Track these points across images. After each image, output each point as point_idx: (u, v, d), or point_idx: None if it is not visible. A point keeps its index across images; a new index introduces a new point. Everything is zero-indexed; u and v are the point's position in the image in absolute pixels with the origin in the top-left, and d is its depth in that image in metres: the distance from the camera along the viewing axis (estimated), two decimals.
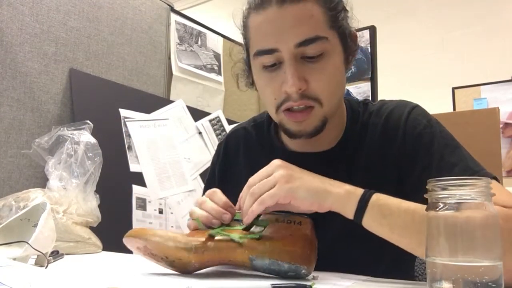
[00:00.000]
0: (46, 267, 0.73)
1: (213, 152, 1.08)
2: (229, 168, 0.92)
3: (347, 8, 0.78)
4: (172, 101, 1.87)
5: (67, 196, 1.04)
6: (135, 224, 1.52)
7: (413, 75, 3.74)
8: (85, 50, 1.60)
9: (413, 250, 0.63)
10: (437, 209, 0.48)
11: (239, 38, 0.83)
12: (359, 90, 2.11)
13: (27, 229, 0.77)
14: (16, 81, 1.39)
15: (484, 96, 3.49)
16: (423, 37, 3.78)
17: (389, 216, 0.62)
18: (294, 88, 0.70)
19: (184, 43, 2.01)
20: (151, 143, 1.69)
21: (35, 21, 1.45)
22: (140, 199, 1.55)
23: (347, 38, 0.76)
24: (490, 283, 0.45)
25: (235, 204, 0.70)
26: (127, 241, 0.70)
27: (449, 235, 0.47)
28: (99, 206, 1.08)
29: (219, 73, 2.15)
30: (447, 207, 0.48)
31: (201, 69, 2.06)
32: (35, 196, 1.01)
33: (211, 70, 2.11)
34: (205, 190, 1.01)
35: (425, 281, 0.50)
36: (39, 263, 0.75)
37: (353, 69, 2.11)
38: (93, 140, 1.16)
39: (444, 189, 0.48)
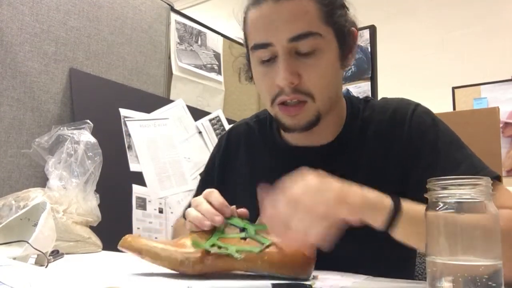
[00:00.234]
0: (46, 267, 0.73)
1: None
2: (229, 162, 0.93)
3: (347, 6, 0.79)
4: (172, 101, 1.87)
5: (67, 195, 1.04)
6: (135, 224, 1.52)
7: (413, 75, 3.74)
8: (85, 49, 1.60)
9: None
10: (437, 208, 0.48)
11: (239, 37, 0.85)
12: (359, 89, 2.11)
13: (27, 228, 0.77)
14: (16, 80, 1.39)
15: (484, 96, 3.48)
16: (423, 37, 3.78)
17: (421, 225, 0.59)
18: (285, 81, 0.71)
19: (184, 42, 2.01)
20: (151, 142, 1.69)
21: (35, 20, 1.45)
22: (140, 199, 1.55)
23: (344, 35, 0.76)
24: (490, 283, 0.45)
25: (232, 203, 0.70)
26: (121, 249, 0.69)
27: (449, 235, 0.47)
28: (99, 205, 1.08)
29: (219, 72, 2.15)
30: (447, 206, 0.48)
31: (201, 68, 2.06)
32: (35, 195, 1.01)
33: (211, 69, 2.11)
34: (201, 181, 1.01)
35: (425, 280, 0.50)
36: (39, 262, 0.75)
37: (353, 69, 2.11)
38: (93, 139, 1.16)
39: (444, 188, 0.48)
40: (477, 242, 0.46)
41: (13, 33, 1.39)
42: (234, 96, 2.23)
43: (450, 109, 3.59)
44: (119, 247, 0.69)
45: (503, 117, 3.25)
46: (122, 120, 1.62)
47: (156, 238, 1.57)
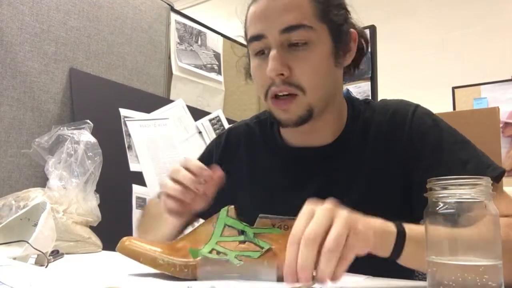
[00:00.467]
0: (46, 267, 0.73)
1: None
2: (228, 162, 0.92)
3: (349, 8, 0.80)
4: (172, 101, 1.87)
5: (67, 195, 1.04)
6: (135, 223, 1.52)
7: (413, 75, 3.74)
8: (85, 49, 1.60)
9: None
10: (437, 208, 0.48)
11: (240, 35, 0.85)
12: (359, 89, 2.11)
13: (27, 228, 0.77)
14: (16, 80, 1.39)
15: (484, 96, 3.48)
16: (423, 37, 3.77)
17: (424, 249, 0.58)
18: (274, 72, 0.72)
19: (184, 42, 2.01)
20: (151, 142, 1.69)
21: (35, 20, 1.45)
22: (140, 199, 1.55)
23: (339, 34, 0.77)
24: (490, 283, 0.45)
25: (232, 203, 0.70)
26: (119, 252, 0.69)
27: (449, 235, 0.47)
28: (99, 205, 1.08)
29: (219, 72, 2.15)
30: (447, 206, 0.48)
31: (201, 68, 2.06)
32: (35, 195, 1.01)
33: (211, 69, 2.11)
34: None
35: (425, 281, 0.50)
36: (39, 262, 0.75)
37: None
38: (93, 139, 1.16)
39: (444, 188, 0.48)
40: (477, 242, 0.46)
41: (13, 33, 1.39)
42: (234, 96, 2.23)
43: (450, 109, 3.59)
44: (117, 251, 0.69)
45: (503, 117, 3.25)
46: (122, 120, 1.62)
47: None
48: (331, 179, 0.80)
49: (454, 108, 3.60)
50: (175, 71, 1.94)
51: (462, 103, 3.56)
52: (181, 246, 0.68)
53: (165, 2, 1.95)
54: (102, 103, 1.58)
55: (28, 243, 0.70)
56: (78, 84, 1.53)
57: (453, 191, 0.48)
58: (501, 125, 3.15)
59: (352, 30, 0.79)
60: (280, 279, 0.64)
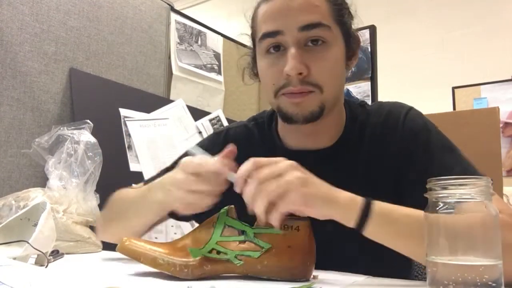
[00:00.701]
0: (46, 267, 0.73)
1: None
2: None
3: (352, 13, 0.81)
4: (172, 101, 1.87)
5: (67, 195, 1.04)
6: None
7: (413, 75, 3.74)
8: (85, 49, 1.60)
9: (417, 257, 0.63)
10: (437, 208, 0.48)
11: (239, 38, 0.85)
12: (359, 89, 2.11)
13: (27, 228, 0.77)
14: (16, 80, 1.39)
15: (484, 96, 3.49)
16: (423, 37, 3.78)
17: (392, 225, 0.62)
18: (294, 71, 0.72)
19: (184, 42, 2.01)
20: (151, 142, 1.69)
21: (35, 20, 1.45)
22: None
23: (350, 36, 0.79)
24: (490, 283, 0.45)
25: (226, 204, 0.70)
26: (119, 252, 0.69)
27: (449, 235, 0.47)
28: (99, 205, 1.08)
29: (219, 72, 2.15)
30: (447, 206, 0.48)
31: (201, 68, 2.06)
32: (35, 195, 1.01)
33: (211, 69, 2.11)
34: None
35: (425, 280, 0.50)
36: (39, 262, 0.75)
37: (353, 69, 2.10)
38: (93, 139, 1.16)
39: (444, 188, 0.48)
40: (477, 242, 0.47)
41: (13, 33, 1.39)
42: (234, 96, 2.23)
43: (450, 109, 3.59)
44: (117, 251, 0.69)
45: (503, 117, 3.25)
46: (122, 120, 1.62)
47: (156, 238, 1.57)
48: (329, 182, 0.80)
49: (454, 108, 3.60)
50: (175, 71, 1.94)
51: (462, 103, 3.56)
52: (181, 246, 0.68)
53: (165, 2, 1.95)
54: (102, 103, 1.58)
55: (28, 243, 0.70)
56: (78, 84, 1.53)
57: (453, 191, 0.48)
58: (501, 125, 3.15)
59: (356, 34, 0.81)
60: (280, 279, 0.64)
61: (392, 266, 0.77)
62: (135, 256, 0.67)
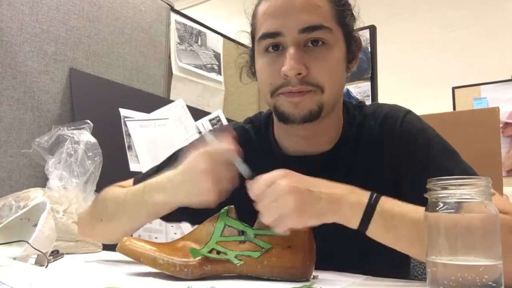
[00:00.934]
0: (46, 267, 0.73)
1: None
2: None
3: (355, 15, 0.80)
4: (172, 101, 1.87)
5: (67, 195, 1.04)
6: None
7: (413, 75, 3.74)
8: (85, 49, 1.60)
9: (422, 258, 0.63)
10: (437, 208, 0.48)
11: (239, 38, 0.84)
12: (359, 89, 2.11)
13: (27, 228, 0.77)
14: (16, 80, 1.39)
15: (484, 96, 3.49)
16: (423, 37, 3.78)
17: (395, 227, 0.61)
18: (293, 71, 0.71)
19: (184, 42, 2.01)
20: (151, 142, 1.69)
21: (35, 20, 1.45)
22: None
23: (351, 38, 0.78)
24: (490, 283, 0.45)
25: (222, 206, 0.70)
26: (119, 252, 0.69)
27: (449, 235, 0.47)
28: None
29: (219, 72, 2.15)
30: (447, 206, 0.48)
31: (201, 68, 2.06)
32: (35, 195, 1.01)
33: (211, 69, 2.11)
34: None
35: (425, 281, 0.50)
36: (39, 262, 0.75)
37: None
38: (93, 139, 1.16)
39: (444, 188, 0.48)
40: (477, 242, 0.47)
41: (13, 33, 1.39)
42: (234, 96, 2.23)
43: (450, 109, 3.59)
44: (117, 251, 0.69)
45: (503, 117, 3.25)
46: (122, 120, 1.62)
47: (156, 238, 1.57)
48: None
49: (454, 108, 3.60)
50: (175, 71, 1.94)
51: (462, 103, 3.56)
52: (181, 246, 0.68)
53: (165, 2, 1.95)
54: (102, 103, 1.58)
55: (28, 243, 0.71)
56: (78, 84, 1.53)
57: (453, 191, 0.48)
58: (501, 125, 3.15)
59: (358, 37, 0.80)
60: (280, 279, 0.64)
61: (392, 266, 0.77)
62: (135, 256, 0.67)
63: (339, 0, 0.76)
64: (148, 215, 0.79)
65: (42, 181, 1.33)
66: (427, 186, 0.50)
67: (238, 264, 0.64)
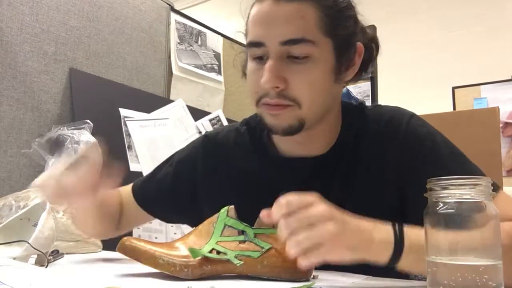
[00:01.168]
0: (46, 267, 0.73)
1: None
2: (217, 168, 0.87)
3: (358, 19, 0.77)
4: (172, 101, 1.87)
5: None
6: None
7: (413, 75, 3.74)
8: (85, 49, 1.60)
9: None
10: (437, 208, 0.48)
11: (239, 38, 0.83)
12: (359, 89, 2.11)
13: (27, 228, 0.77)
14: (16, 80, 1.39)
15: (484, 96, 3.49)
16: (423, 37, 3.78)
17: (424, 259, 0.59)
18: (268, 84, 0.69)
19: (184, 42, 2.01)
20: (151, 142, 1.69)
21: (35, 20, 1.45)
22: None
23: (345, 49, 0.74)
24: (490, 283, 0.45)
25: (214, 211, 0.69)
26: (119, 253, 0.69)
27: (449, 235, 0.47)
28: None
29: (219, 72, 2.15)
30: (447, 206, 0.48)
31: (201, 68, 2.06)
32: (35, 195, 1.01)
33: (211, 69, 2.11)
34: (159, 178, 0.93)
35: (425, 281, 0.50)
36: (39, 262, 0.75)
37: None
38: (93, 139, 1.16)
39: (444, 188, 0.48)
40: (477, 242, 0.47)
41: (13, 33, 1.39)
42: (234, 96, 2.23)
43: (450, 109, 3.59)
44: (117, 251, 0.69)
45: (503, 117, 3.25)
46: (122, 120, 1.62)
47: (156, 238, 1.57)
48: (325, 191, 0.78)
49: (454, 108, 3.61)
50: (175, 71, 1.94)
51: (462, 103, 3.56)
52: (181, 246, 0.68)
53: (165, 2, 1.95)
54: (102, 103, 1.58)
55: (28, 243, 0.71)
56: (78, 84, 1.53)
57: (453, 191, 0.48)
58: (501, 125, 3.15)
59: (358, 43, 0.76)
60: (280, 279, 0.64)
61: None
62: (135, 256, 0.67)
63: (329, 8, 0.71)
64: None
65: None
66: (427, 186, 0.50)
67: (238, 264, 0.64)
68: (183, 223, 0.94)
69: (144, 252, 0.66)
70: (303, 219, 0.56)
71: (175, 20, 1.98)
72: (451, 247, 0.47)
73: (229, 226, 0.67)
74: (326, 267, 0.72)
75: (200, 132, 1.89)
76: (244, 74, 0.82)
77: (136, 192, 0.93)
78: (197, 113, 1.92)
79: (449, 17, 3.70)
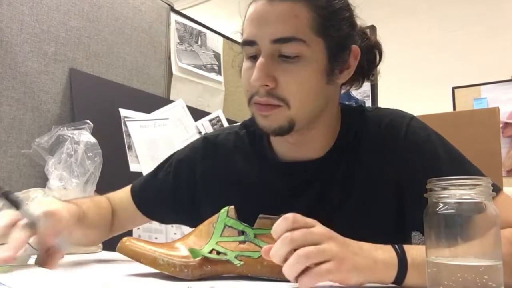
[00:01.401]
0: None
1: None
2: (216, 169, 0.87)
3: (354, 22, 0.76)
4: (172, 101, 1.87)
5: (67, 195, 1.04)
6: None
7: (413, 75, 3.74)
8: (85, 50, 1.60)
9: None
10: (437, 209, 0.48)
11: (239, 38, 0.83)
12: (359, 90, 2.11)
13: None
14: (16, 81, 1.39)
15: (484, 96, 3.49)
16: (423, 37, 3.78)
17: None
18: (258, 82, 0.69)
19: (184, 42, 2.01)
20: (151, 143, 1.69)
21: (35, 21, 1.45)
22: None
23: (338, 50, 0.73)
24: (490, 283, 0.45)
25: (213, 213, 0.69)
26: (119, 253, 0.69)
27: (449, 235, 0.47)
28: None
29: (219, 73, 2.15)
30: (447, 207, 0.48)
31: (201, 68, 2.06)
32: (35, 195, 1.01)
33: (211, 70, 2.11)
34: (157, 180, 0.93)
35: None
36: (39, 262, 0.75)
37: None
38: (93, 140, 1.16)
39: (444, 189, 0.48)
40: (477, 242, 0.47)
41: (13, 33, 1.39)
42: (234, 96, 2.23)
43: (450, 109, 3.59)
44: (117, 251, 0.69)
45: (503, 117, 3.25)
46: (122, 120, 1.62)
47: (156, 238, 1.57)
48: (323, 194, 0.77)
49: (454, 108, 3.61)
50: (175, 71, 1.94)
51: (462, 103, 3.56)
52: (181, 246, 0.68)
53: (165, 2, 1.95)
54: (102, 103, 1.58)
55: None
56: (78, 84, 1.53)
57: (453, 192, 0.48)
58: (501, 125, 3.15)
59: (354, 46, 0.75)
60: (280, 279, 0.64)
61: None
62: (135, 256, 0.67)
63: (322, 9, 0.71)
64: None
65: (42, 181, 1.33)
66: (427, 187, 0.50)
67: (238, 265, 0.64)
68: (181, 224, 0.94)
69: (144, 253, 0.66)
70: (307, 234, 0.55)
71: (175, 21, 1.98)
72: (451, 248, 0.47)
73: (229, 227, 0.67)
74: None
75: (200, 133, 1.89)
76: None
77: (135, 195, 0.93)
78: (197, 113, 1.92)
79: (449, 17, 3.71)
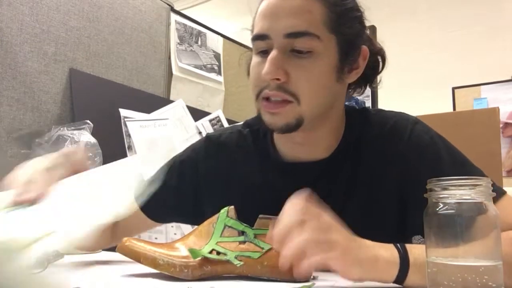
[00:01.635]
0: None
1: None
2: (219, 168, 0.87)
3: (364, 21, 0.76)
4: (172, 101, 1.87)
5: None
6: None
7: (413, 75, 3.74)
8: (85, 50, 1.60)
9: None
10: (437, 209, 0.48)
11: (239, 38, 0.83)
12: None
13: None
14: (16, 81, 1.39)
15: (484, 96, 3.49)
16: (423, 37, 3.78)
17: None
18: (269, 75, 0.69)
19: (184, 43, 2.01)
20: (151, 143, 1.69)
21: (35, 21, 1.45)
22: None
23: (349, 48, 0.73)
24: (490, 283, 0.45)
25: (215, 213, 0.69)
26: (119, 253, 0.69)
27: (449, 236, 0.47)
28: None
29: (219, 73, 2.15)
30: (447, 207, 0.48)
31: (201, 69, 2.06)
32: None
33: (211, 70, 2.11)
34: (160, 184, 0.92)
35: None
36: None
37: None
38: (93, 140, 1.16)
39: (444, 189, 0.48)
40: (477, 242, 0.47)
41: (13, 33, 1.39)
42: (234, 97, 2.23)
43: (450, 109, 3.59)
44: (117, 251, 0.69)
45: (503, 117, 3.25)
46: (122, 121, 1.62)
47: (156, 238, 1.57)
48: (326, 195, 0.77)
49: (454, 108, 3.61)
50: (175, 71, 1.94)
51: (462, 103, 3.56)
52: (181, 246, 0.68)
53: (165, 3, 1.95)
54: (102, 103, 1.58)
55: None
56: (78, 84, 1.53)
57: (453, 192, 0.48)
58: (501, 125, 3.15)
59: (363, 46, 0.75)
60: (280, 279, 0.64)
61: None
62: (135, 256, 0.67)
63: (336, 5, 0.71)
64: None
65: None
66: (427, 187, 0.50)
67: (238, 265, 0.64)
68: (184, 223, 0.94)
69: (144, 253, 0.66)
70: (320, 224, 0.57)
71: (175, 21, 1.98)
72: (451, 248, 0.47)
73: (229, 227, 0.67)
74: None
75: (200, 133, 1.89)
76: (249, 73, 0.81)
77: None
78: (197, 114, 1.92)
79: (449, 17, 3.71)
